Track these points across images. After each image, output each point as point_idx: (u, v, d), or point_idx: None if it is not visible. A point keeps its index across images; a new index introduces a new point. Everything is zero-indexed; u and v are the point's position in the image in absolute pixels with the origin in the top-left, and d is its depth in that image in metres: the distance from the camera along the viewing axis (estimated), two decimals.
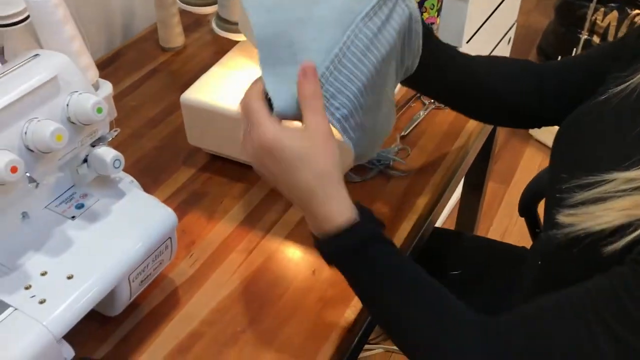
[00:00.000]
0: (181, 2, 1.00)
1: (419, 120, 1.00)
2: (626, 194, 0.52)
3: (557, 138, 0.70)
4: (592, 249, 0.53)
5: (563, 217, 0.55)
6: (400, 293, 0.58)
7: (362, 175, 0.89)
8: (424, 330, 0.57)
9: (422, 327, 0.57)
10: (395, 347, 0.78)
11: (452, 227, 1.41)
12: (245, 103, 0.58)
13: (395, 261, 0.59)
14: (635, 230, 0.50)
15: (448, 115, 1.01)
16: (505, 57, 0.85)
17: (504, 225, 1.87)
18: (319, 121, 0.56)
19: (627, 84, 0.62)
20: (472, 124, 1.00)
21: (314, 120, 0.56)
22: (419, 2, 0.99)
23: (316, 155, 0.55)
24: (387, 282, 0.58)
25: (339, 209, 0.56)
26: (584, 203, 0.54)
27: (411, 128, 0.98)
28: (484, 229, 1.84)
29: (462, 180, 1.28)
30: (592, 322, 0.49)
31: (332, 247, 0.57)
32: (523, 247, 1.06)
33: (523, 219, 1.12)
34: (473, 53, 1.60)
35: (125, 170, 0.71)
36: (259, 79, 0.58)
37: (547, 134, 2.12)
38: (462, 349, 0.55)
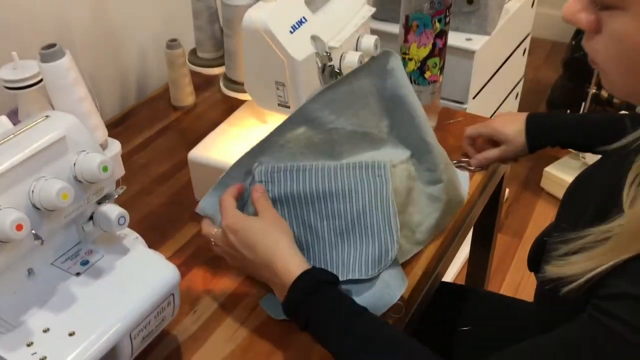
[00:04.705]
0: (190, 63, 1.03)
1: None
2: (599, 244, 0.54)
3: (566, 191, 0.73)
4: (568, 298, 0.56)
5: (549, 267, 0.59)
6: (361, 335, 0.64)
7: None
8: None
9: None
10: None
11: (463, 283, 1.39)
12: (221, 200, 0.75)
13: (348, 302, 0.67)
14: (594, 277, 0.53)
15: None
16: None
17: (517, 280, 1.84)
18: (267, 208, 0.74)
19: (625, 141, 0.63)
20: (477, 178, 1.00)
21: (263, 209, 0.74)
22: (421, 61, 1.01)
23: (269, 228, 0.71)
24: (346, 323, 0.64)
25: (295, 263, 0.68)
26: (567, 254, 0.57)
27: None
28: (497, 284, 1.82)
29: (471, 234, 1.28)
30: None
31: (293, 294, 0.66)
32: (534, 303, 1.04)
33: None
34: (479, 109, 1.62)
35: (132, 226, 0.73)
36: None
37: (558, 187, 2.11)
38: None
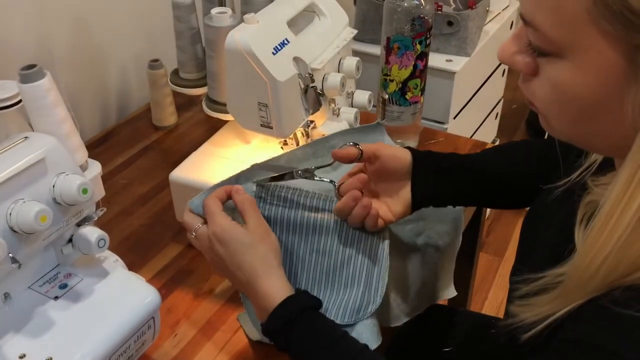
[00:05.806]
0: (172, 83, 1.03)
1: None
2: (556, 286, 0.53)
3: (521, 228, 0.73)
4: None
5: (512, 308, 0.57)
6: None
7: None
8: None
9: None
10: None
11: (445, 302, 1.39)
12: (205, 203, 0.71)
13: (329, 326, 0.65)
14: (552, 322, 0.51)
15: None
16: (510, 143, 0.86)
17: (500, 298, 1.85)
18: (258, 220, 0.69)
19: (569, 177, 0.63)
20: None
21: (253, 219, 0.69)
22: (402, 82, 1.02)
23: (258, 243, 0.67)
24: (327, 348, 0.62)
25: (278, 286, 0.66)
26: (527, 295, 0.56)
27: None
28: (479, 302, 1.82)
29: None
30: None
31: (274, 319, 0.64)
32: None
33: None
34: (460, 129, 1.64)
35: (112, 248, 0.71)
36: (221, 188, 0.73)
37: None
38: None
